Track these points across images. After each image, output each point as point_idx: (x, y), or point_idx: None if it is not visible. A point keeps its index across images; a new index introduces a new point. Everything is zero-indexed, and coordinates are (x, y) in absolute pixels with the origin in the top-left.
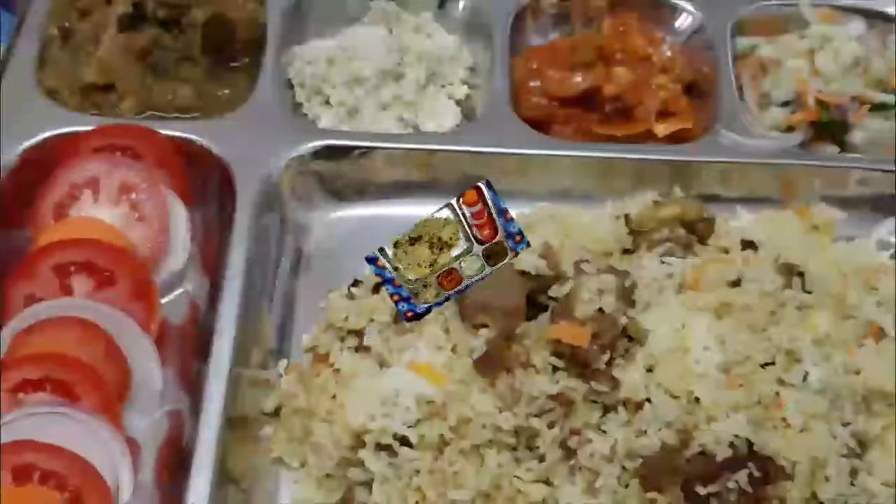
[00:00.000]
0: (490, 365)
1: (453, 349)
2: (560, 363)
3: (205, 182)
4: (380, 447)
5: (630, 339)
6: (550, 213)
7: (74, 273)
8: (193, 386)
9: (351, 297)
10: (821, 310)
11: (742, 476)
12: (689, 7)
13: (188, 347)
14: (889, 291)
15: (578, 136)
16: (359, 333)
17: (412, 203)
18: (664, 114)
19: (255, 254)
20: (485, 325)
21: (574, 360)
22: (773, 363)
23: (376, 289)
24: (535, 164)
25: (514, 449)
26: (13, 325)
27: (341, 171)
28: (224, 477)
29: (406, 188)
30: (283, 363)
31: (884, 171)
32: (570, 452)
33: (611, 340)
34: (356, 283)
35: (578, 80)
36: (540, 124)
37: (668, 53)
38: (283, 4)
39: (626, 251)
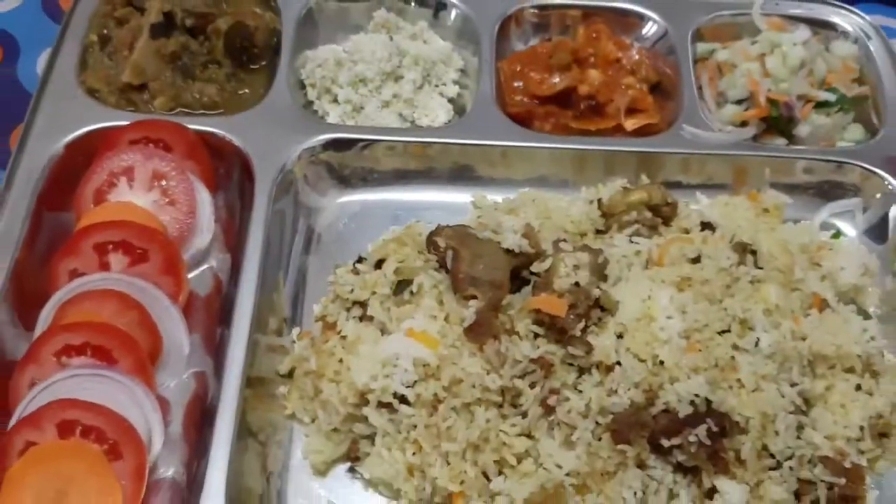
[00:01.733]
0: (479, 332)
1: (446, 318)
2: (540, 330)
3: (227, 170)
4: (381, 405)
5: (602, 309)
6: (532, 197)
7: (112, 251)
8: (217, 350)
9: (356, 272)
10: (770, 283)
11: (701, 430)
12: (655, 16)
13: (212, 316)
14: (830, 266)
15: (556, 130)
16: (363, 304)
17: (410, 189)
18: (632, 110)
19: (272, 234)
20: (474, 297)
21: (553, 328)
22: (728, 330)
23: (378, 265)
24: (517, 155)
25: (500, 406)
26: (58, 296)
27: (347, 161)
28: (244, 431)
29: (404, 176)
30: (296, 330)
31: (825, 160)
32: (549, 409)
33: (585, 310)
34: (360, 259)
35: (556, 80)
36: (522, 120)
37: (636, 57)
38: (296, 14)
39: (598, 232)
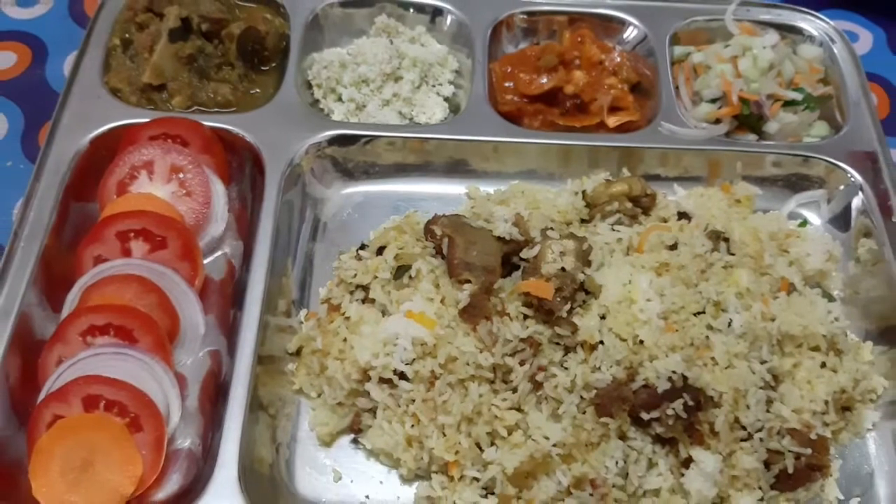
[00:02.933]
0: (472, 313)
1: (442, 300)
2: (529, 312)
3: (240, 164)
4: (382, 380)
5: (587, 292)
6: (521, 189)
7: (133, 238)
8: (230, 330)
9: (358, 258)
10: (742, 268)
11: (678, 404)
12: (635, 21)
13: (226, 299)
14: (798, 252)
15: (544, 127)
16: (365, 288)
17: (408, 181)
18: (614, 109)
19: (281, 222)
20: (468, 281)
21: (541, 310)
22: (703, 312)
23: (379, 251)
24: (508, 150)
25: (492, 382)
26: (83, 280)
27: (351, 156)
28: (255, 405)
29: (403, 169)
30: (303, 312)
31: (792, 154)
32: (537, 385)
33: (571, 293)
34: (363, 246)
35: (544, 81)
36: (513, 117)
37: (618, 59)
38: (304, 20)
39: (583, 221)
